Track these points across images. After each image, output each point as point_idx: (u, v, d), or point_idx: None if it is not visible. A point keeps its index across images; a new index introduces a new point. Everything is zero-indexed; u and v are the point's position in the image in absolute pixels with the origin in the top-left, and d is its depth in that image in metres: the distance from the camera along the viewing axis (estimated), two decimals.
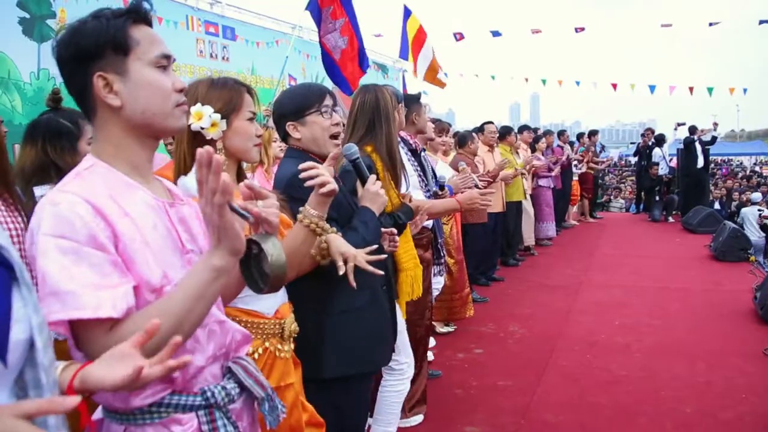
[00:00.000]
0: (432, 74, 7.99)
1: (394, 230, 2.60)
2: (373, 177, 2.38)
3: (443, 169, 4.90)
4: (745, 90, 19.09)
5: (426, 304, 3.65)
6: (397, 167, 2.93)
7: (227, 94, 1.89)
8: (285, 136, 2.39)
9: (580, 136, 13.33)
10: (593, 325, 5.83)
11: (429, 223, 3.62)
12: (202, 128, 1.84)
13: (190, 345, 1.33)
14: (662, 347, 5.19)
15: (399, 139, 3.49)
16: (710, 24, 14.11)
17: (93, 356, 1.17)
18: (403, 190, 3.24)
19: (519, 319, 6.01)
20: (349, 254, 2.03)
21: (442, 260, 3.91)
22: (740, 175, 24.30)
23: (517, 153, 9.02)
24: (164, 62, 1.38)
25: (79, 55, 1.31)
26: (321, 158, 2.37)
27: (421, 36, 7.72)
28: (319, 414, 2.13)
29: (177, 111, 1.39)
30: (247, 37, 9.23)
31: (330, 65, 6.72)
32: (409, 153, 3.68)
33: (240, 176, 2.01)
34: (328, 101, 2.34)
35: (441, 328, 5.54)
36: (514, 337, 5.55)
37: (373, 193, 2.35)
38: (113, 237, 1.25)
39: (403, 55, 8.06)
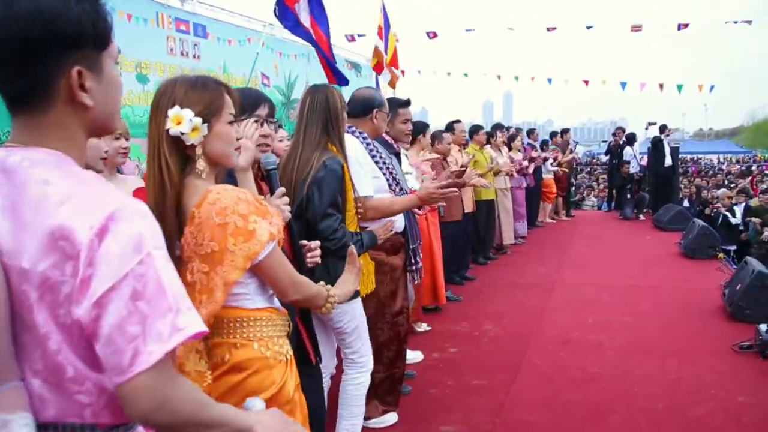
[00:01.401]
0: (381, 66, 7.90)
1: (315, 243, 2.55)
2: (281, 190, 2.33)
3: (405, 166, 4.88)
4: (712, 87, 19.42)
5: (391, 308, 3.59)
6: (348, 169, 2.92)
7: (208, 96, 1.77)
8: None
9: (553, 135, 13.43)
10: (567, 323, 5.87)
11: (400, 226, 3.60)
12: (182, 133, 1.73)
13: None
14: (634, 345, 5.24)
15: (370, 141, 3.48)
16: (679, 26, 14.28)
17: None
18: (367, 192, 3.21)
19: (493, 318, 6.02)
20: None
21: (415, 266, 3.86)
22: (710, 173, 24.68)
23: (500, 151, 9.05)
24: (117, 59, 1.28)
25: (56, 40, 1.11)
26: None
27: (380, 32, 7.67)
28: None
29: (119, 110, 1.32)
30: (219, 35, 9.12)
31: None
32: (392, 157, 3.66)
33: (219, 181, 1.94)
34: (262, 111, 2.30)
35: (417, 328, 5.54)
36: (488, 336, 5.56)
37: (275, 207, 2.32)
38: None
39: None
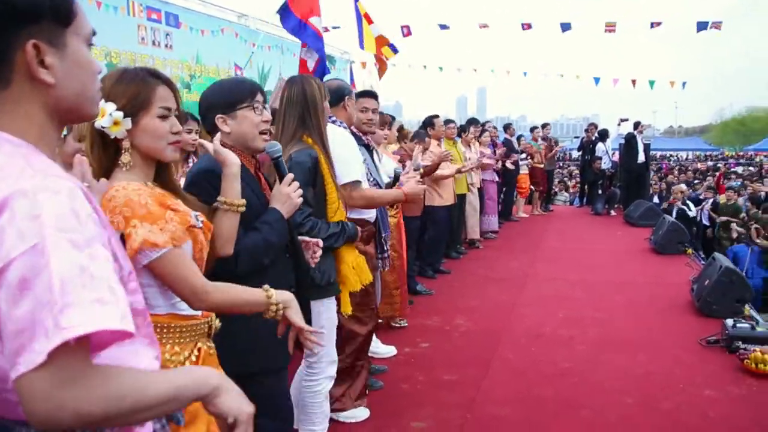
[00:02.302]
0: (379, 45, 7.83)
1: (320, 241, 2.54)
2: (290, 176, 2.32)
3: (388, 162, 4.86)
4: (684, 83, 19.77)
5: (373, 298, 3.59)
6: (331, 159, 2.88)
7: (133, 90, 1.74)
8: (211, 130, 2.31)
9: (533, 129, 13.46)
10: (538, 318, 5.89)
11: (371, 216, 3.58)
12: (103, 127, 1.72)
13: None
14: (605, 339, 5.28)
15: (350, 133, 3.46)
16: (652, 24, 14.42)
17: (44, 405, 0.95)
18: (357, 177, 3.20)
19: (464, 313, 6.02)
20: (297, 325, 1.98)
21: (385, 254, 3.86)
22: (680, 169, 25.02)
23: (469, 146, 9.04)
24: (92, 41, 1.22)
25: (8, 12, 1.06)
26: (247, 154, 2.33)
27: (368, 20, 7.59)
28: None
29: (98, 96, 1.25)
30: (191, 24, 8.99)
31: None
32: (363, 149, 3.64)
33: (162, 173, 1.90)
34: (259, 97, 2.30)
35: (394, 323, 5.53)
36: (459, 330, 5.56)
37: (285, 195, 2.30)
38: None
39: (361, 45, 7.89)
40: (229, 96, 2.28)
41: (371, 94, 4.00)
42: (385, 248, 3.85)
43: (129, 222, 1.66)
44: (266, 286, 1.90)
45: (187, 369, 1.20)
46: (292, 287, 2.48)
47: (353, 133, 3.58)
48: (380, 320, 4.88)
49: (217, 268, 2.05)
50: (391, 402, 4.08)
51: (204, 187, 2.13)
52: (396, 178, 3.79)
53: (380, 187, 3.63)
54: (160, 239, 1.69)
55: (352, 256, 3.05)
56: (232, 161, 2.10)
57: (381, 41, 7.54)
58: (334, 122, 3.36)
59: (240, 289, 1.87)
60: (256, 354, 2.31)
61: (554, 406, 4.06)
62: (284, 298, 1.92)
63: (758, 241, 9.95)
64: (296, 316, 1.94)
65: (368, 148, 3.72)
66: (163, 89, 1.79)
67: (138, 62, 7.46)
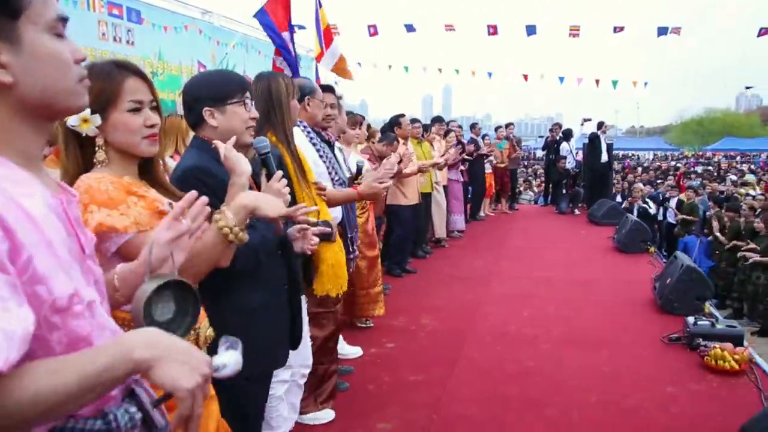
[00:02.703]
0: (339, 66, 7.79)
1: (327, 228, 2.52)
2: (279, 173, 2.27)
3: (354, 158, 4.81)
4: (646, 83, 20.20)
5: (335, 299, 3.55)
6: (297, 157, 2.84)
7: (99, 85, 1.66)
8: (196, 122, 2.23)
9: (497, 128, 13.53)
10: (503, 316, 5.91)
11: (338, 216, 3.54)
12: (73, 126, 1.66)
13: None
14: (569, 338, 5.32)
15: (311, 130, 3.41)
16: (615, 29, 14.63)
17: None
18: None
19: (430, 312, 6.01)
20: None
21: (352, 255, 3.81)
22: (644, 168, 25.44)
23: (432, 145, 9.03)
24: (60, 27, 1.11)
25: None
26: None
27: (329, 34, 7.49)
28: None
29: (80, 87, 1.16)
30: (154, 20, 8.82)
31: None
32: (324, 145, 3.60)
33: (149, 170, 1.84)
34: (248, 93, 2.25)
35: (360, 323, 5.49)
36: (425, 330, 5.54)
37: (276, 191, 2.22)
38: (13, 249, 0.98)
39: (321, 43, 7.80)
40: (219, 90, 2.20)
41: (329, 89, 3.95)
42: (353, 248, 3.81)
43: (87, 208, 1.60)
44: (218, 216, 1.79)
45: (108, 346, 1.07)
46: (286, 285, 2.43)
47: (315, 130, 3.53)
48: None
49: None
50: (356, 403, 4.05)
51: (195, 186, 1.99)
52: (359, 172, 3.74)
53: (343, 184, 3.58)
54: (120, 223, 1.63)
55: (330, 253, 3.01)
56: (243, 170, 1.97)
57: (343, 60, 7.46)
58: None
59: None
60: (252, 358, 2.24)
61: (519, 405, 4.07)
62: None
63: (717, 234, 10.16)
64: None
65: (329, 144, 3.67)
66: (132, 81, 1.72)
67: (98, 59, 7.29)
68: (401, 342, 5.21)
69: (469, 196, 11.25)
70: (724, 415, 3.92)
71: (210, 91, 2.20)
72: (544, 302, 6.40)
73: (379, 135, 7.02)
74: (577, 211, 13.00)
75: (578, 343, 5.20)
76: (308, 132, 3.42)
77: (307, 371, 3.21)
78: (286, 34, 5.94)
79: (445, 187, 9.26)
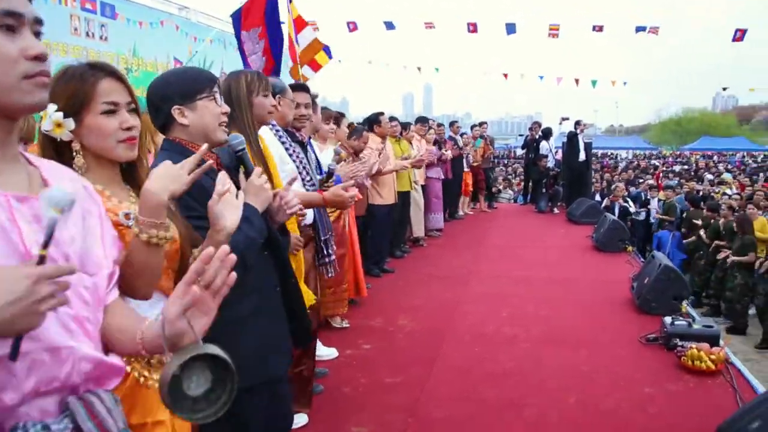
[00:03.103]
0: (308, 55, 7.62)
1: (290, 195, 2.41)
2: (258, 170, 2.19)
3: (327, 157, 4.75)
4: (625, 83, 20.39)
5: None
6: (262, 156, 2.76)
7: (71, 88, 1.60)
8: (165, 123, 2.11)
9: (472, 127, 13.51)
10: (482, 316, 5.88)
11: (309, 218, 3.47)
12: (47, 131, 1.58)
13: (1, 378, 1.07)
14: (548, 337, 5.30)
15: (280, 129, 3.34)
16: (594, 27, 14.67)
17: None
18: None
19: (408, 312, 5.95)
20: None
21: (327, 258, 3.73)
22: (621, 167, 25.61)
23: (411, 144, 8.98)
24: (9, 21, 1.09)
25: None
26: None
27: (301, 22, 7.35)
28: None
29: (26, 84, 1.11)
30: (129, 15, 8.68)
31: None
32: (296, 145, 3.53)
33: (132, 174, 1.76)
34: (216, 87, 2.14)
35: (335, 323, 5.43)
36: (403, 331, 5.48)
37: (258, 187, 2.15)
38: None
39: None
40: (186, 86, 2.09)
41: (303, 87, 3.87)
42: (328, 251, 3.73)
43: None
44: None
45: None
46: (277, 287, 2.34)
47: (286, 130, 3.46)
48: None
49: None
50: (331, 406, 3.98)
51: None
52: (329, 175, 3.68)
53: (315, 185, 3.51)
54: None
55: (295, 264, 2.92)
56: (223, 226, 1.81)
57: (315, 46, 7.34)
58: None
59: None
60: (244, 367, 2.13)
61: (498, 406, 4.03)
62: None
63: (701, 234, 10.23)
64: None
65: (302, 145, 3.60)
66: (107, 83, 1.64)
67: (70, 54, 7.16)
68: (378, 343, 5.15)
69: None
70: (700, 416, 3.92)
71: (178, 88, 2.09)
72: (523, 301, 6.38)
73: None
74: (556, 210, 13.02)
75: (557, 342, 5.18)
76: (277, 131, 3.34)
77: None
78: (256, 30, 5.87)
79: (423, 186, 9.21)
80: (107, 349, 1.33)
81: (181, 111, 2.07)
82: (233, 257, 1.31)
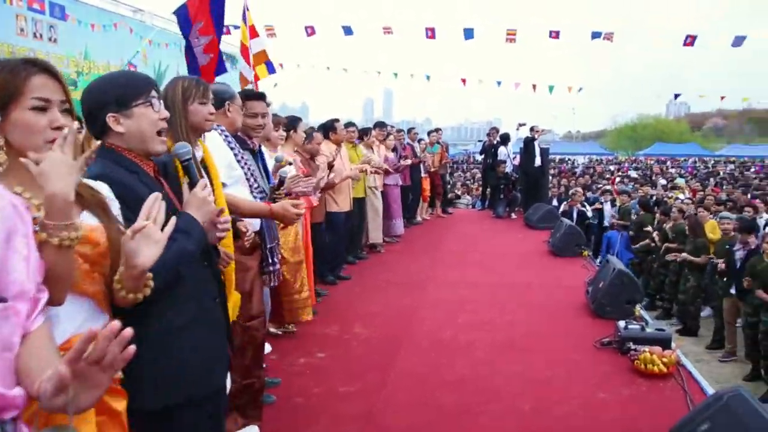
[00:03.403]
0: (258, 61, 7.53)
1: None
2: (203, 181, 2.12)
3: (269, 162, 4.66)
4: (580, 88, 20.76)
5: (245, 311, 3.37)
6: (202, 164, 2.67)
7: (1, 79, 1.52)
8: (101, 131, 2.01)
9: (429, 133, 13.52)
10: (438, 323, 5.85)
11: (256, 225, 3.40)
12: None
13: None
14: (504, 344, 5.29)
15: (229, 134, 3.27)
16: (550, 33, 14.85)
17: None
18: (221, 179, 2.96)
19: (364, 319, 5.89)
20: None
21: (272, 267, 3.65)
22: (577, 173, 25.96)
23: (371, 149, 8.94)
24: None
25: None
26: (144, 157, 2.06)
27: (253, 32, 7.25)
28: None
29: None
30: (80, 17, 8.48)
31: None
32: (247, 152, 3.46)
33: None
34: (155, 92, 2.05)
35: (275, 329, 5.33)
36: (359, 338, 5.41)
37: (201, 200, 2.07)
38: None
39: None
40: (122, 91, 2.00)
41: (260, 97, 3.79)
42: (273, 260, 3.64)
43: None
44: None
45: None
46: (216, 298, 2.26)
47: (237, 137, 3.38)
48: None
49: None
50: (283, 417, 3.89)
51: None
52: (280, 183, 3.62)
53: (263, 194, 3.44)
54: None
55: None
56: (136, 264, 1.67)
57: (260, 58, 7.25)
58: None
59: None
60: (183, 378, 2.05)
61: (455, 413, 4.00)
62: None
63: (654, 237, 10.38)
64: None
65: (253, 153, 3.53)
66: (39, 78, 1.55)
67: (16, 55, 6.94)
68: (333, 351, 5.07)
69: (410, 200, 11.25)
70: (653, 419, 3.96)
71: (113, 93, 2.00)
72: (480, 307, 6.38)
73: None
74: (514, 215, 13.11)
75: (513, 349, 5.18)
76: (227, 136, 3.27)
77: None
78: (198, 24, 5.75)
79: (382, 192, 9.16)
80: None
81: (116, 119, 1.98)
82: (128, 332, 1.25)
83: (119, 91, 2.00)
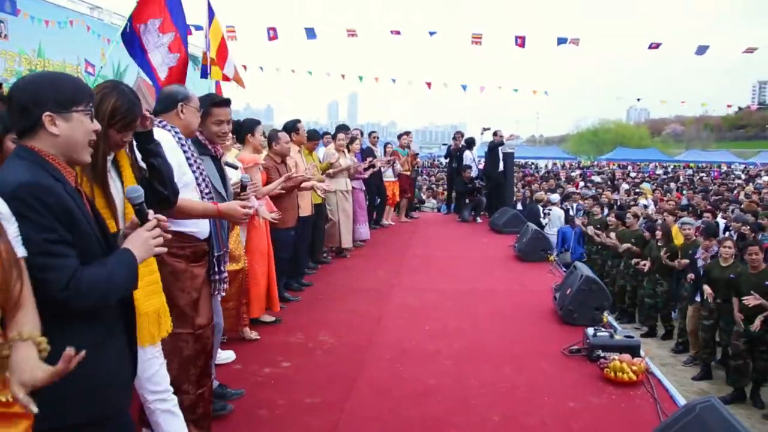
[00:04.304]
0: (236, 75, 7.43)
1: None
2: (151, 223, 2.05)
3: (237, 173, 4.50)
4: (546, 92, 21.04)
5: (195, 319, 3.25)
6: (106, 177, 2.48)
7: None
8: (30, 128, 1.87)
9: (400, 136, 13.40)
10: (404, 331, 5.73)
11: (199, 231, 3.26)
12: None
13: None
14: (471, 352, 5.20)
15: (186, 141, 3.13)
16: (516, 39, 14.89)
17: None
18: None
19: (329, 327, 5.73)
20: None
21: (218, 276, 3.49)
22: (544, 177, 26.18)
23: (343, 153, 8.80)
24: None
25: None
26: (67, 165, 1.95)
27: (223, 49, 7.08)
28: None
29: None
30: (33, 13, 8.20)
31: (155, 86, 5.86)
32: (206, 157, 3.32)
33: None
34: (92, 105, 1.97)
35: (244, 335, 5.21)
36: (323, 347, 5.26)
37: (144, 239, 2.02)
38: None
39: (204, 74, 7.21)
40: (65, 93, 1.89)
41: (227, 103, 3.65)
42: (220, 269, 3.50)
43: None
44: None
45: None
46: (119, 318, 2.13)
47: (196, 141, 3.24)
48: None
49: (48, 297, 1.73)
50: (246, 431, 3.74)
51: (33, 207, 1.74)
52: (243, 188, 3.48)
53: (224, 199, 3.30)
54: None
55: (152, 301, 2.64)
56: (24, 379, 1.64)
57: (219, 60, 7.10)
58: (164, 126, 3.09)
59: None
60: (85, 401, 1.96)
61: (421, 425, 3.90)
62: None
63: (616, 243, 10.41)
64: None
65: (213, 158, 3.38)
66: None
67: None
68: (298, 360, 4.91)
69: (377, 203, 11.15)
70: (623, 428, 3.92)
71: (54, 93, 1.88)
72: (445, 315, 6.28)
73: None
74: (479, 220, 13.09)
75: (480, 357, 5.09)
76: (179, 137, 3.13)
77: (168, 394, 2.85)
78: (154, 21, 5.59)
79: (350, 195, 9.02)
80: None
81: (52, 119, 1.87)
82: None
83: (63, 93, 1.90)
